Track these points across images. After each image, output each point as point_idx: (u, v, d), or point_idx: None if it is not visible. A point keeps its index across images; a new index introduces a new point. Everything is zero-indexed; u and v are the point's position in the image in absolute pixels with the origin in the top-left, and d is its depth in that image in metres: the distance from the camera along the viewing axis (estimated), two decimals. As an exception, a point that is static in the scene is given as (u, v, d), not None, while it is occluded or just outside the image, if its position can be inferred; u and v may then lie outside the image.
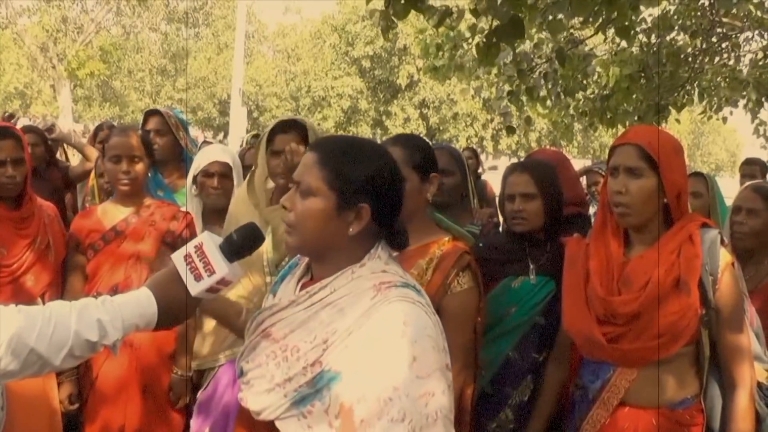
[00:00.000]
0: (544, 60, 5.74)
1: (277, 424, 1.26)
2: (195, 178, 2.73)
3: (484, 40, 3.16)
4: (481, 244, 2.28)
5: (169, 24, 27.47)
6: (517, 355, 2.14)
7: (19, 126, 3.80)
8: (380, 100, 27.04)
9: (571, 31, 6.11)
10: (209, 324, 2.37)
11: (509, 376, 2.14)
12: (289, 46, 32.32)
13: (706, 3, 6.15)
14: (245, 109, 18.00)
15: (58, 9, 20.95)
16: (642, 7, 4.15)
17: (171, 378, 2.47)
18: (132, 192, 2.51)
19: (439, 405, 1.19)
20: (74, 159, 4.94)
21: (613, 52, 6.33)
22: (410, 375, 1.17)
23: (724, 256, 1.77)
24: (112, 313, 1.23)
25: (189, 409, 2.45)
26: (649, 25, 6.03)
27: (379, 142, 1.82)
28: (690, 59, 6.41)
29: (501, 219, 2.48)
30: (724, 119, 7.87)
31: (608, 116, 6.36)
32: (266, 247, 2.17)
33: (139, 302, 1.27)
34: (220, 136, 30.19)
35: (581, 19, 4.22)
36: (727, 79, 6.90)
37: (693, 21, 6.26)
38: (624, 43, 5.82)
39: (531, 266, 2.17)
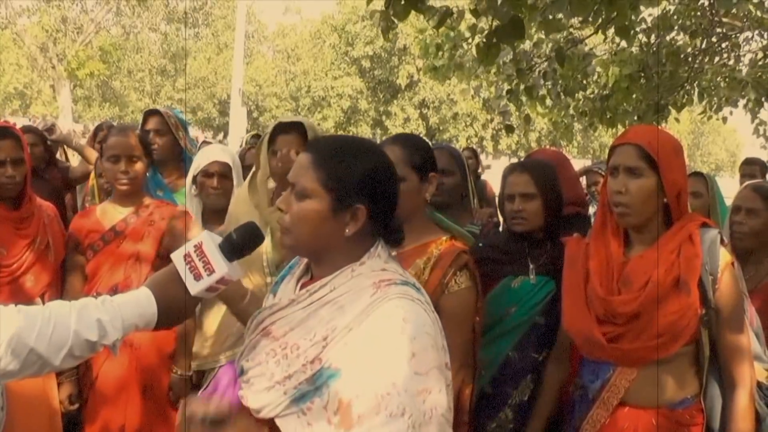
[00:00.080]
0: (543, 59, 5.74)
1: (277, 421, 1.26)
2: (195, 178, 2.73)
3: (484, 40, 3.16)
4: (481, 244, 2.29)
5: (169, 24, 27.47)
6: (517, 355, 2.14)
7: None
8: (380, 100, 27.04)
9: (571, 30, 6.11)
10: (210, 325, 2.37)
11: (509, 376, 2.14)
12: (289, 46, 32.31)
13: (706, 3, 6.14)
14: (245, 109, 17.99)
15: (57, 9, 20.95)
16: (642, 7, 4.16)
17: (171, 378, 2.47)
18: (131, 192, 2.50)
19: (435, 403, 1.20)
20: (74, 159, 4.93)
21: (613, 52, 6.34)
22: (409, 371, 1.17)
23: (724, 256, 1.77)
24: (112, 313, 1.23)
25: (189, 409, 2.45)
26: (649, 24, 6.03)
27: (378, 142, 1.82)
28: (690, 59, 6.40)
29: (501, 219, 2.48)
30: (724, 119, 7.87)
31: (608, 116, 6.36)
32: (266, 247, 2.17)
33: (139, 302, 1.27)
34: (220, 136, 30.16)
35: (581, 18, 4.22)
36: (727, 79, 6.90)
37: (693, 21, 6.25)
38: (624, 43, 5.82)
39: (531, 266, 2.17)
